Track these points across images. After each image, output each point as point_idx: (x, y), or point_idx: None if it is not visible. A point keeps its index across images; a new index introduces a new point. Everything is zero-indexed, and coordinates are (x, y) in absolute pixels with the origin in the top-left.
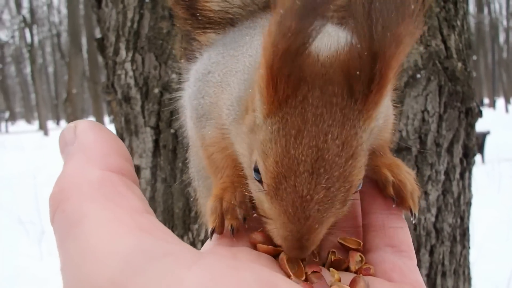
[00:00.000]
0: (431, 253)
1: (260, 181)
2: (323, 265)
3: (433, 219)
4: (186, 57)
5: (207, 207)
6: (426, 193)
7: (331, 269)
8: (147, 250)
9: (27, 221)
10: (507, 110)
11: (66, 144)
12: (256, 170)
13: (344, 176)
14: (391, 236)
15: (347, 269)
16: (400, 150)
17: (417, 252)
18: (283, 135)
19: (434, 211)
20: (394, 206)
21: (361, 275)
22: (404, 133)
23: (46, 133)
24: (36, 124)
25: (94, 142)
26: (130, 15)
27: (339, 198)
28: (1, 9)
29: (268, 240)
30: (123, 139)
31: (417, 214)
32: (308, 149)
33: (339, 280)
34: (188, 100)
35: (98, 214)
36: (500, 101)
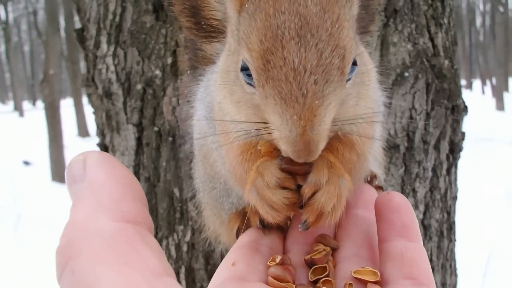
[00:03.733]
0: None
1: (250, 83)
2: None
3: (421, 216)
4: (191, 67)
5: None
6: (414, 191)
7: None
8: None
9: (1, 206)
10: (483, 92)
11: (75, 180)
12: (244, 69)
13: (334, 40)
14: (411, 267)
15: None
16: (389, 148)
17: None
18: (261, 9)
19: (422, 208)
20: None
21: None
22: (392, 131)
23: (21, 114)
24: (11, 104)
25: (106, 183)
26: (112, 7)
27: (335, 66)
28: None
29: (288, 272)
30: (104, 135)
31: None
32: (290, 16)
33: None
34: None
35: (111, 281)
36: (477, 83)
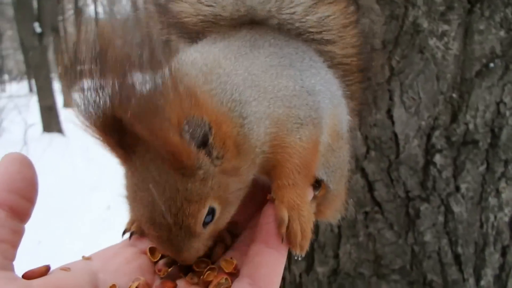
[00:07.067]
0: (503, 254)
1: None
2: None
3: (506, 218)
4: None
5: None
6: (497, 191)
7: None
8: None
9: None
10: None
11: None
12: None
13: (179, 222)
14: (255, 269)
15: None
16: (466, 143)
17: (482, 250)
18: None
19: (507, 210)
20: (282, 242)
21: None
22: (471, 126)
23: None
24: None
25: None
26: None
27: (183, 237)
28: None
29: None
30: None
31: (302, 255)
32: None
33: None
34: None
35: None
36: None
